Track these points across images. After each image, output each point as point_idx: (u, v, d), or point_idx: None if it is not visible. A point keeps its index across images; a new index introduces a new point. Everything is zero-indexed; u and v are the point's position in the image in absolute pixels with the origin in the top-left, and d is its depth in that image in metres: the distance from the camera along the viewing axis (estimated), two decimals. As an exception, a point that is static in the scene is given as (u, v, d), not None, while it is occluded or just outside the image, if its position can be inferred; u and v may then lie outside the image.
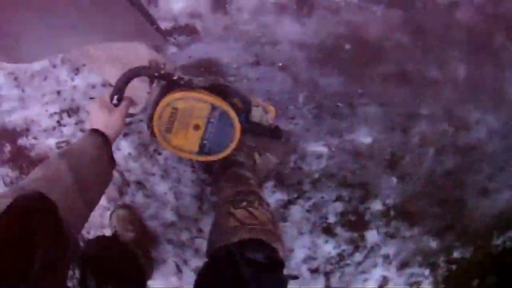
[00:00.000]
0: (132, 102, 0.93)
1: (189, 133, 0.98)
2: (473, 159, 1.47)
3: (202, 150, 0.99)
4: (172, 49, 1.28)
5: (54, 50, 1.05)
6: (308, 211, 1.42)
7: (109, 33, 0.89)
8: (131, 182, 1.37)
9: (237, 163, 1.18)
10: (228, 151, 1.01)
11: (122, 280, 0.86)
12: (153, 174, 1.35)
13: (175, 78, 0.94)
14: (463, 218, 1.58)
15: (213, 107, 0.95)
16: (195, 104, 0.95)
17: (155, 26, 0.79)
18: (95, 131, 0.82)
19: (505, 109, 1.42)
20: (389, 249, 1.58)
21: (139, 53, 1.32)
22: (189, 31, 1.28)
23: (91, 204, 0.73)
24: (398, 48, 1.34)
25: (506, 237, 1.67)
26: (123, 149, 1.35)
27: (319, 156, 1.35)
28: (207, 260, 0.87)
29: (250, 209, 0.96)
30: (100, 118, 0.84)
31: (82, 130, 1.33)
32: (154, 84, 1.03)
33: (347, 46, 1.31)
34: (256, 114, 1.12)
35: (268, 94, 1.28)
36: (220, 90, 0.99)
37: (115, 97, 0.89)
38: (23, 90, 1.34)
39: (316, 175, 1.37)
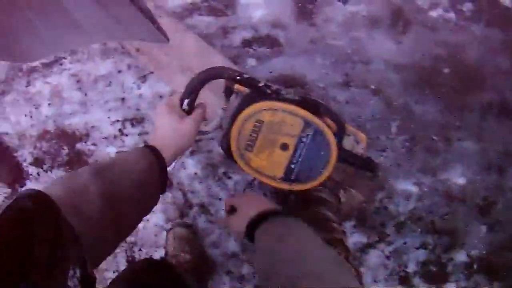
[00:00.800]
0: (206, 110, 0.73)
1: (275, 154, 0.78)
2: None
3: (288, 176, 0.79)
4: (251, 62, 1.12)
5: (56, 49, 0.99)
6: (387, 257, 1.22)
7: (111, 32, 0.82)
8: (194, 205, 1.21)
9: (320, 201, 1.00)
10: (320, 180, 0.80)
11: None
12: (220, 199, 1.17)
13: (261, 84, 0.74)
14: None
15: (307, 124, 0.76)
16: (285, 118, 0.76)
17: (156, 26, 0.72)
18: (148, 147, 0.63)
19: None
20: (464, 305, 1.37)
21: (214, 62, 1.17)
22: (271, 43, 1.14)
23: (124, 234, 0.59)
24: (500, 74, 1.19)
25: None
26: (189, 167, 1.20)
27: (408, 196, 1.17)
28: None
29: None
30: (167, 124, 0.65)
31: (145, 142, 1.16)
32: (232, 97, 0.84)
33: (446, 70, 1.15)
34: (347, 143, 0.93)
35: (358, 120, 1.10)
36: (312, 106, 0.78)
37: (186, 101, 0.69)
38: (85, 94, 1.25)
39: (402, 218, 1.18)
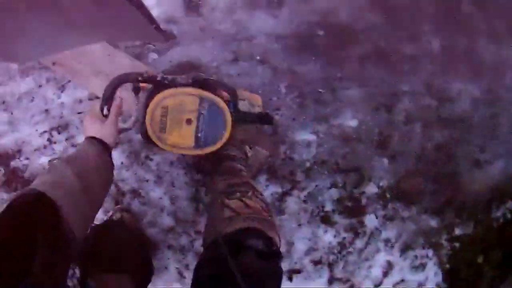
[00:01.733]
0: (120, 109, 0.92)
1: (183, 129, 0.98)
2: (461, 131, 1.48)
3: (198, 144, 1.00)
4: (153, 56, 1.30)
5: (54, 49, 1.05)
6: (304, 201, 1.41)
7: (109, 32, 0.91)
8: (126, 192, 1.37)
9: (229, 157, 1.18)
10: (223, 140, 1.01)
11: (129, 265, 0.86)
12: (147, 181, 1.34)
13: (158, 79, 0.95)
14: (459, 193, 1.57)
15: (201, 99, 0.96)
16: (184, 98, 0.96)
17: (154, 26, 0.78)
18: (93, 138, 0.83)
19: (485, 76, 1.44)
20: (390, 232, 1.56)
21: (121, 63, 1.35)
22: (167, 37, 1.31)
23: (96, 207, 0.76)
24: (371, 28, 1.37)
25: (505, 209, 1.66)
26: (115, 159, 1.33)
27: (309, 144, 1.36)
28: (203, 251, 0.86)
29: (244, 199, 0.96)
30: (93, 130, 0.85)
31: (73, 145, 1.33)
32: (140, 94, 1.04)
33: (321, 32, 1.34)
34: (243, 106, 1.13)
35: (250, 88, 1.29)
36: (204, 84, 0.99)
37: (105, 107, 0.90)
38: (11, 113, 1.35)
39: (308, 164, 1.37)
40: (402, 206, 1.55)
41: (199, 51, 1.30)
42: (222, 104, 0.97)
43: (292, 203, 1.41)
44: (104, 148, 0.83)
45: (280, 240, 0.86)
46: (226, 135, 1.00)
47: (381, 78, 1.39)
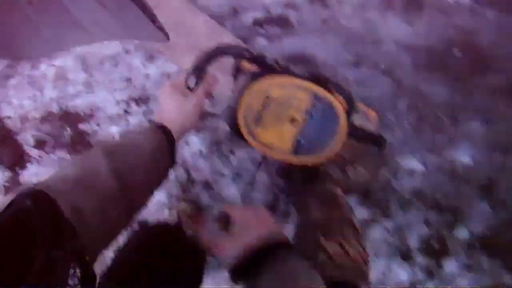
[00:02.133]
0: (212, 87, 0.73)
1: (283, 128, 0.79)
2: None
3: (296, 149, 0.80)
4: (262, 42, 1.16)
5: (57, 48, 1.01)
6: (389, 232, 1.27)
7: (111, 31, 0.85)
8: (197, 181, 1.25)
9: (330, 179, 1.03)
10: (328, 153, 0.81)
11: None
12: (223, 175, 1.22)
13: (269, 62, 0.75)
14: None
15: (316, 98, 0.77)
16: (294, 92, 0.77)
17: (156, 24, 0.74)
18: (158, 125, 0.65)
19: None
20: (464, 281, 1.42)
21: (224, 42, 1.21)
22: (282, 23, 1.16)
23: (133, 213, 0.60)
24: (510, 58, 1.20)
25: None
26: (193, 145, 1.24)
27: (413, 173, 1.21)
28: None
29: (344, 243, 0.81)
30: (171, 105, 0.66)
31: (150, 121, 1.21)
32: (240, 78, 0.86)
33: (457, 53, 1.17)
34: (357, 119, 0.96)
35: (367, 99, 1.13)
36: (321, 82, 0.79)
37: (192, 78, 0.69)
38: (90, 75, 1.26)
39: (406, 195, 1.23)
40: (486, 259, 1.40)
41: (317, 46, 1.15)
42: (341, 111, 0.78)
43: (376, 232, 1.27)
44: (167, 139, 0.63)
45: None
46: (335, 148, 0.80)
47: (508, 116, 1.22)
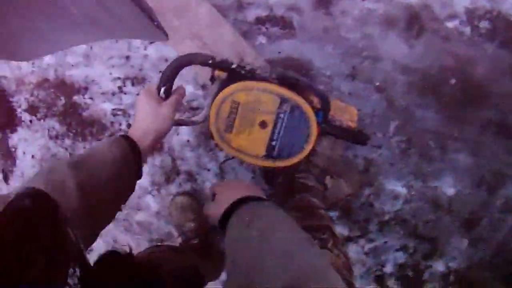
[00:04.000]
0: (182, 95, 0.74)
1: (254, 132, 0.79)
2: None
3: (269, 154, 0.80)
4: (262, 40, 1.13)
5: (56, 47, 1.01)
6: (366, 254, 1.23)
7: (111, 30, 0.84)
8: (182, 172, 1.22)
9: (306, 187, 1.00)
10: (302, 156, 0.80)
11: None
12: (208, 170, 1.17)
13: (233, 66, 0.75)
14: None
15: (283, 100, 0.77)
16: (261, 96, 0.77)
17: (155, 23, 0.74)
18: (124, 138, 0.66)
19: None
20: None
21: (223, 35, 1.17)
22: (284, 24, 1.14)
23: (99, 227, 0.60)
24: (504, 95, 1.19)
25: None
26: (182, 134, 1.21)
27: (396, 197, 1.17)
28: None
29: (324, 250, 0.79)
30: (146, 111, 0.68)
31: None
32: (211, 88, 0.84)
33: (452, 81, 1.16)
34: (336, 118, 0.92)
35: (358, 113, 1.11)
36: (291, 84, 0.79)
37: (163, 88, 0.71)
38: (91, 47, 1.22)
39: (387, 217, 1.19)
40: (460, 294, 1.36)
41: (314, 53, 1.12)
42: (309, 111, 0.77)
43: (353, 251, 1.23)
44: (133, 151, 0.65)
45: None
46: (307, 149, 0.80)
47: (496, 153, 1.20)
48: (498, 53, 1.21)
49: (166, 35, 0.81)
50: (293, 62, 1.12)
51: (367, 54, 1.12)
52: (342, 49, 1.12)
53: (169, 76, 0.70)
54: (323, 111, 0.81)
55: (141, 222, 1.32)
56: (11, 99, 1.32)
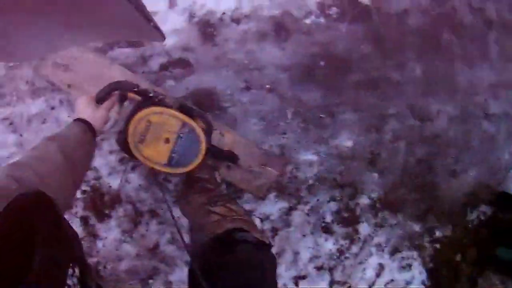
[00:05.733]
0: (113, 105, 1.00)
1: (160, 146, 1.05)
2: (439, 145, 1.69)
3: (170, 162, 1.06)
4: (170, 82, 1.41)
5: (52, 48, 1.04)
6: (307, 214, 1.56)
7: (107, 31, 0.88)
8: (144, 212, 1.45)
9: (202, 179, 1.27)
10: (193, 166, 1.08)
11: None
12: (165, 201, 1.44)
13: (150, 94, 1.04)
14: (438, 200, 1.78)
15: (184, 124, 1.05)
16: (168, 119, 1.04)
17: (152, 24, 0.76)
18: (79, 120, 0.91)
19: (459, 96, 1.66)
20: (380, 238, 1.74)
21: (140, 84, 1.41)
22: (183, 64, 1.42)
23: (78, 182, 0.82)
24: (363, 59, 1.56)
25: (479, 212, 1.88)
26: (133, 181, 1.43)
27: (311, 164, 1.52)
28: (196, 256, 0.93)
29: (228, 204, 1.09)
30: (86, 112, 0.92)
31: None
32: (126, 103, 1.10)
33: (322, 63, 1.51)
34: (215, 137, 1.26)
35: (261, 114, 1.43)
36: (187, 111, 1.08)
37: (100, 98, 0.98)
38: (21, 135, 1.36)
39: (311, 181, 1.53)
40: (390, 214, 1.74)
41: (214, 79, 1.42)
42: (202, 135, 1.06)
43: (297, 216, 1.56)
44: (88, 127, 0.90)
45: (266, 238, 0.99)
46: (198, 162, 1.07)
47: (372, 103, 1.58)
48: (350, 28, 1.57)
49: (163, 36, 0.83)
50: (200, 92, 1.42)
51: (253, 66, 1.44)
52: (233, 69, 1.43)
53: (107, 92, 0.98)
54: (208, 134, 1.09)
55: (128, 269, 1.46)
56: None
